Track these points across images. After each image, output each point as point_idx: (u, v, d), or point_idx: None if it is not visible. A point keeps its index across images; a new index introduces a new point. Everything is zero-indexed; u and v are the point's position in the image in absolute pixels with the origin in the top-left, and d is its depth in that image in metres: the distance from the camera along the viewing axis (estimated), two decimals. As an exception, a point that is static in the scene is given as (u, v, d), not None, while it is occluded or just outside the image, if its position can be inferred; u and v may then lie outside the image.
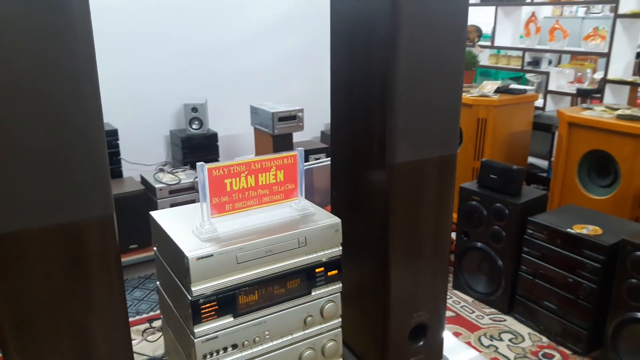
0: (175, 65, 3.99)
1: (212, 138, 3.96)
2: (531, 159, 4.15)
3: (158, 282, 1.72)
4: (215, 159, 3.97)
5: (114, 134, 3.33)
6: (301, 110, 3.70)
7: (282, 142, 3.70)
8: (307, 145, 4.00)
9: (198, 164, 1.42)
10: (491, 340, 2.61)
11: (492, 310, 2.88)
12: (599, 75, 4.03)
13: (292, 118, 3.67)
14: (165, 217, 1.62)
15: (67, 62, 1.08)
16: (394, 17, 1.47)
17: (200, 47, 4.07)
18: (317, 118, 4.69)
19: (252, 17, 4.26)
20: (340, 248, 1.59)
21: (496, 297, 2.89)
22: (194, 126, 3.90)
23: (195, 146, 3.88)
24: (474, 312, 2.86)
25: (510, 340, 2.62)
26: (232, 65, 4.25)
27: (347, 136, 1.77)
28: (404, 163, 1.59)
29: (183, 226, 1.54)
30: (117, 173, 3.41)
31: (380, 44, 1.53)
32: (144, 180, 3.47)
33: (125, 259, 2.99)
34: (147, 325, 2.59)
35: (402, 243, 1.68)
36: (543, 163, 4.16)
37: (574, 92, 3.89)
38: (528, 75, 4.82)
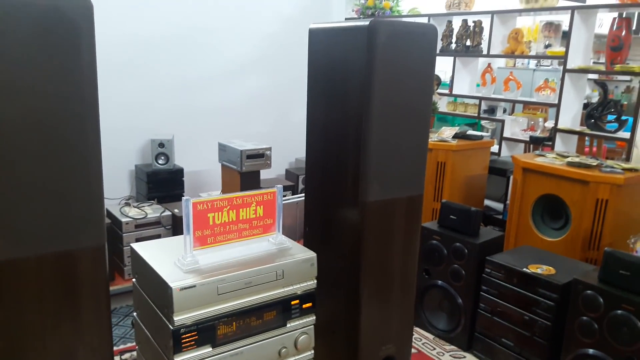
0: (143, 100, 4.04)
1: (178, 173, 4.00)
2: (487, 202, 4.34)
3: (135, 314, 1.74)
4: (181, 195, 4.00)
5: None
6: (269, 149, 3.79)
7: (250, 179, 3.77)
8: (273, 183, 4.08)
9: (183, 198, 1.48)
10: (452, 376, 2.70)
11: (452, 347, 2.97)
12: (550, 124, 4.29)
13: (260, 156, 3.76)
14: (146, 249, 1.66)
15: (73, 103, 1.16)
16: (369, 67, 1.60)
17: (169, 83, 4.14)
18: (282, 156, 4.80)
19: (220, 57, 4.39)
20: (315, 281, 1.67)
21: (456, 334, 2.99)
22: (160, 161, 3.94)
23: (161, 181, 3.91)
24: (435, 348, 2.95)
25: (470, 376, 2.72)
26: (199, 102, 4.34)
27: (321, 175, 1.87)
28: (376, 202, 1.70)
29: (164, 258, 1.59)
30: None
31: (356, 90, 1.65)
32: (109, 214, 3.46)
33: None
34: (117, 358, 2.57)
35: (372, 277, 1.77)
36: (498, 205, 4.36)
37: (527, 139, 4.13)
38: (483, 122, 5.07)
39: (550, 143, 3.88)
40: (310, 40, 1.83)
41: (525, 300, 2.64)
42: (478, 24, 4.29)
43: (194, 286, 1.43)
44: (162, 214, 3.47)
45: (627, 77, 5.23)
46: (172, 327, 1.42)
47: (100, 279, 1.27)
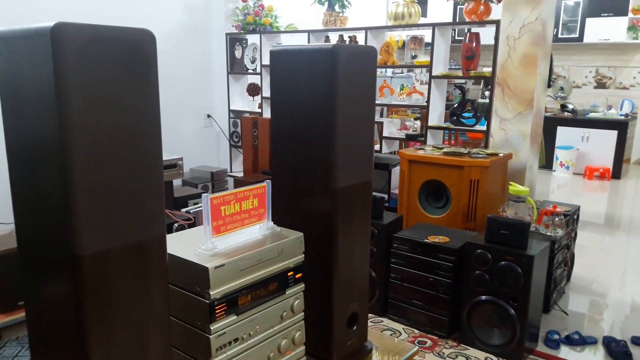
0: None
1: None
2: (373, 193, 4.96)
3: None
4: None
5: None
6: (180, 159, 4.02)
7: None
8: (183, 192, 4.30)
9: (203, 194, 1.78)
10: (376, 337, 3.20)
11: (371, 314, 3.48)
12: (415, 123, 5.04)
13: (173, 166, 3.97)
14: (161, 243, 1.91)
15: (146, 116, 1.42)
16: (333, 81, 2.01)
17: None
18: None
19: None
20: (303, 256, 2.05)
21: (372, 304, 3.51)
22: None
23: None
24: (356, 318, 3.43)
25: (391, 335, 3.24)
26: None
27: (289, 172, 2.24)
28: (342, 188, 2.13)
29: (181, 249, 1.86)
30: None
31: (321, 100, 2.06)
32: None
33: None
34: None
35: (342, 251, 2.19)
36: (383, 195, 4.99)
37: (403, 136, 4.83)
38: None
39: (422, 138, 4.60)
40: (272, 58, 2.19)
41: (428, 266, 3.24)
42: (353, 39, 4.89)
43: (224, 265, 1.75)
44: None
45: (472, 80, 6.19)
46: (207, 301, 1.72)
47: (163, 263, 1.53)
